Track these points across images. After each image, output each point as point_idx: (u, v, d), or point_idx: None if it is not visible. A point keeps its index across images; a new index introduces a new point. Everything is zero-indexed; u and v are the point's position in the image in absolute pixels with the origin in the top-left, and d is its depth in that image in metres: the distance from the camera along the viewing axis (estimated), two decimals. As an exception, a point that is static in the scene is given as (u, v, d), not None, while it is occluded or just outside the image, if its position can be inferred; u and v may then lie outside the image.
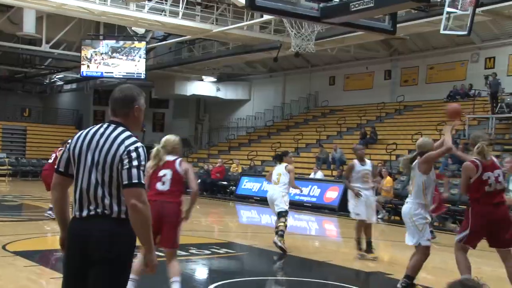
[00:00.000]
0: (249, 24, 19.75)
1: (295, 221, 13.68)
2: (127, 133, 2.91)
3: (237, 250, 9.17)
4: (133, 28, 23.33)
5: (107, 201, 2.82)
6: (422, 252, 5.67)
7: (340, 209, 15.64)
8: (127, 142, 2.85)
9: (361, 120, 23.13)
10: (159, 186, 5.01)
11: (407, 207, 5.77)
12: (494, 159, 5.64)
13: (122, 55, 23.90)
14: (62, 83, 35.33)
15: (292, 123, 26.68)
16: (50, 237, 9.81)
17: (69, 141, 2.99)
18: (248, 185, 19.39)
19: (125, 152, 2.82)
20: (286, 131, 25.68)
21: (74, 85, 36.04)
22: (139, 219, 2.82)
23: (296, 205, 15.86)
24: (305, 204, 16.31)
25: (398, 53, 24.11)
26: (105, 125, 2.96)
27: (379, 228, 11.51)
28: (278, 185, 8.63)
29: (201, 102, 33.47)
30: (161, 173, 5.03)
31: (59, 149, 10.42)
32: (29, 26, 21.52)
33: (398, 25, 10.68)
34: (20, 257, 7.31)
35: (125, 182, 2.79)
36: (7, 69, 31.74)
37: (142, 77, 24.43)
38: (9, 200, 15.53)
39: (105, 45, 23.81)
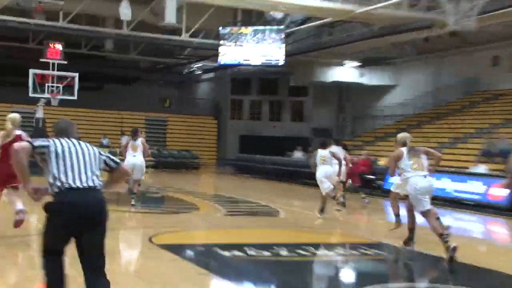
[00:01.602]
0: (396, 2, 19.03)
1: (456, 221, 12.92)
2: (87, 143, 4.54)
3: (388, 251, 8.88)
4: (270, 13, 23.73)
5: (95, 178, 4.30)
6: None
7: (510, 208, 14.49)
8: (95, 147, 4.52)
9: (532, 106, 21.29)
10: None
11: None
12: None
13: (259, 42, 24.43)
14: (201, 72, 37.07)
15: (446, 110, 25.35)
16: (194, 231, 10.31)
17: (46, 142, 4.30)
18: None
19: (99, 152, 4.48)
20: (439, 120, 24.48)
21: (211, 74, 37.63)
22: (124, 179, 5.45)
23: (455, 203, 15.02)
24: (465, 202, 15.34)
25: None
26: (71, 141, 4.38)
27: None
28: (328, 165, 11.61)
29: (342, 89, 33.13)
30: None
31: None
32: (170, 16, 22.76)
33: None
34: (165, 250, 7.73)
35: (114, 166, 4.54)
36: (149, 60, 34.00)
37: (280, 63, 24.78)
38: (152, 192, 16.63)
39: (243, 32, 24.51)
